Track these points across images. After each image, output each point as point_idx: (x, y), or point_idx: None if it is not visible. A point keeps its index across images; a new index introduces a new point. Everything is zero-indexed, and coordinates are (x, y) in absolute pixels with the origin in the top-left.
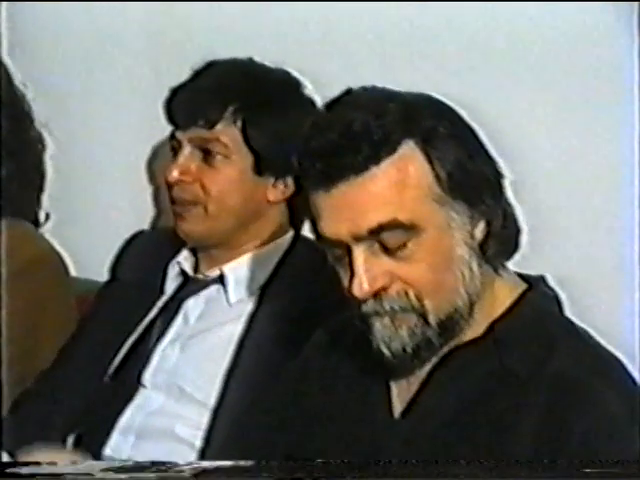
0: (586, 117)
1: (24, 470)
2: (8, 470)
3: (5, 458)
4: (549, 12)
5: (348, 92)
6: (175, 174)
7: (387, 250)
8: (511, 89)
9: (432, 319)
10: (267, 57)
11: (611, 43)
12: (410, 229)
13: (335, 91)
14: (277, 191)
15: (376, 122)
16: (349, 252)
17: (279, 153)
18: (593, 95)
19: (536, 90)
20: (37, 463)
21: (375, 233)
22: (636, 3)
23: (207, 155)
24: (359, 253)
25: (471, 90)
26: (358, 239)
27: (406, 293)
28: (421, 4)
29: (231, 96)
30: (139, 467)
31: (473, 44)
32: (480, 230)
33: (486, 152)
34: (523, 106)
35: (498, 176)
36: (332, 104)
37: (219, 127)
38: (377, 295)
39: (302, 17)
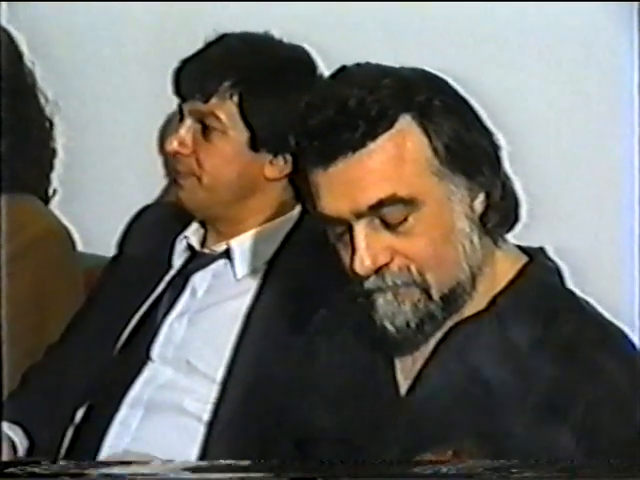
0: (585, 117)
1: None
2: (7, 470)
3: (5, 458)
4: (549, 12)
5: (342, 69)
6: (173, 146)
7: (388, 225)
8: (513, 79)
9: (435, 293)
10: (276, 32)
11: (611, 43)
12: (410, 203)
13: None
14: (274, 168)
15: (371, 97)
16: (350, 229)
17: (277, 130)
18: (593, 96)
19: (536, 90)
20: (37, 462)
21: (375, 209)
22: (636, 3)
23: (205, 128)
24: (360, 229)
25: (474, 69)
26: (359, 215)
27: (408, 268)
28: None
29: (230, 70)
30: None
31: (474, 40)
32: (480, 202)
33: (482, 124)
34: (526, 95)
35: (495, 148)
36: (326, 81)
37: (214, 100)
38: (379, 271)
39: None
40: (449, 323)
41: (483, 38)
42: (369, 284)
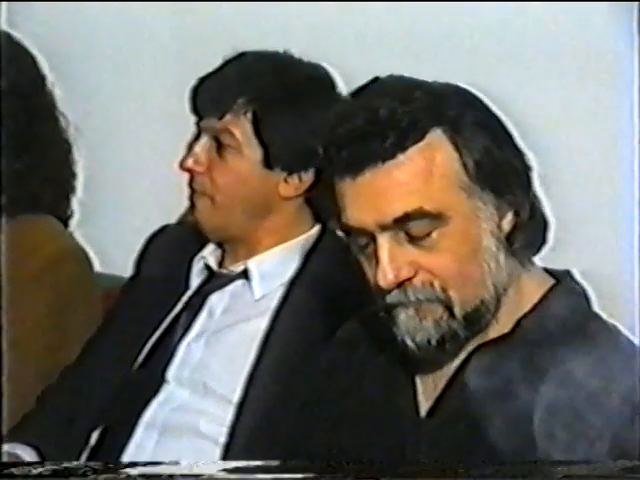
0: (586, 117)
1: (20, 470)
2: (6, 471)
3: (5, 458)
4: (549, 12)
5: (374, 80)
6: (188, 163)
7: (412, 239)
8: (511, 87)
9: (458, 311)
10: (295, 50)
11: (611, 43)
12: (436, 218)
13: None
14: (289, 186)
15: (403, 109)
16: (374, 242)
17: (292, 148)
18: (593, 95)
19: (535, 89)
20: (40, 463)
21: (401, 222)
22: (636, 3)
23: (220, 146)
24: (384, 242)
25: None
26: (383, 228)
27: (431, 284)
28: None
29: (245, 86)
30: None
31: (474, 45)
32: (508, 221)
33: (513, 143)
34: (525, 102)
35: (526, 167)
36: (358, 92)
37: (228, 117)
38: (402, 285)
39: (332, 10)
40: (473, 344)
41: (483, 42)
42: (391, 298)
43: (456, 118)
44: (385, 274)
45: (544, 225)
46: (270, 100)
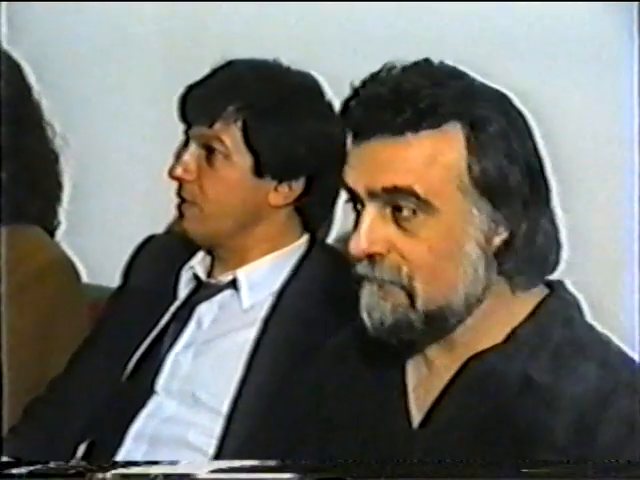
0: (586, 117)
1: (20, 470)
2: (6, 471)
3: (5, 458)
4: (549, 12)
5: (426, 60)
6: (177, 171)
7: (396, 219)
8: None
9: (420, 304)
10: (283, 57)
11: (611, 43)
12: (424, 204)
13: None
14: (279, 195)
15: (429, 90)
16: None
17: (281, 156)
18: (593, 95)
19: (535, 89)
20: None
21: (388, 194)
22: (636, 3)
23: (210, 154)
24: (369, 212)
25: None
26: (372, 196)
27: (399, 268)
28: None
29: (234, 95)
30: None
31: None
32: (499, 238)
33: (539, 166)
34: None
35: (539, 191)
36: (395, 67)
37: (218, 125)
38: (372, 259)
39: (321, 19)
40: (464, 354)
41: (482, 42)
42: (360, 269)
43: (481, 120)
44: (358, 241)
45: (546, 257)
46: (260, 108)
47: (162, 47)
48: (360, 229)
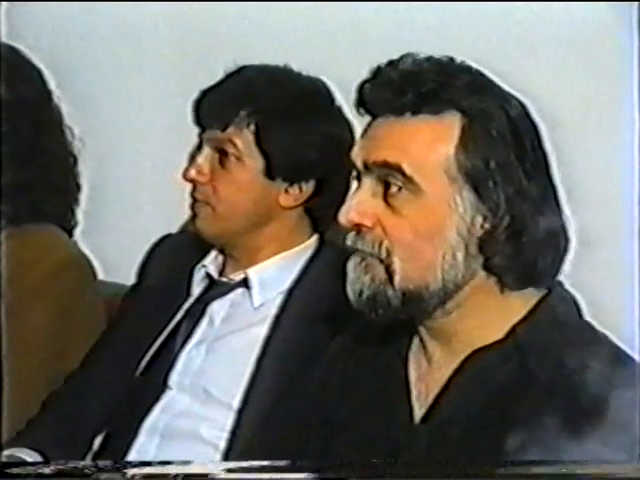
0: (585, 117)
1: (18, 470)
2: (7, 470)
3: (5, 458)
4: (548, 12)
5: (432, 56)
6: (191, 174)
7: (386, 195)
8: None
9: (397, 281)
10: (293, 62)
11: (611, 43)
12: (409, 182)
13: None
14: (290, 196)
15: (434, 77)
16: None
17: (292, 159)
18: (593, 95)
19: (534, 90)
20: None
21: (379, 168)
22: (636, 3)
23: (223, 157)
24: (362, 185)
25: None
26: (367, 169)
27: (381, 242)
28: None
29: (247, 99)
30: None
31: (473, 46)
32: (482, 230)
33: (543, 171)
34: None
35: (535, 193)
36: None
37: (231, 129)
38: (359, 232)
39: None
40: (463, 350)
41: (480, 43)
42: (349, 240)
43: (481, 114)
44: (348, 211)
45: (537, 260)
46: (271, 113)
47: (175, 52)
48: (351, 200)
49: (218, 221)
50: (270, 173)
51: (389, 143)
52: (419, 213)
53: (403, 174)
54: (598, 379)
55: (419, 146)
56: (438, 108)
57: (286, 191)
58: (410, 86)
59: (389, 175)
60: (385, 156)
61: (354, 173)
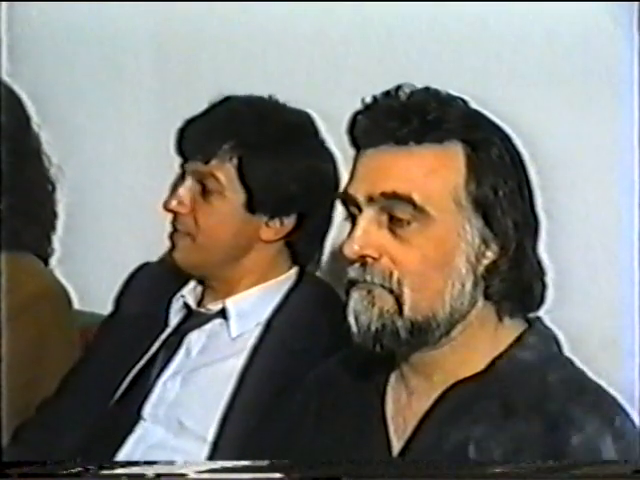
0: (585, 118)
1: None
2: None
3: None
4: (548, 12)
5: (424, 87)
6: (172, 204)
7: (392, 226)
8: (508, 89)
9: (407, 311)
10: (276, 91)
11: (611, 43)
12: (420, 212)
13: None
14: (270, 230)
15: (436, 106)
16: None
17: (274, 193)
18: (593, 95)
19: (535, 90)
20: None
21: (387, 199)
22: (636, 3)
23: (204, 189)
24: (365, 216)
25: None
26: (370, 200)
27: (390, 272)
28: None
29: (230, 133)
30: None
31: (472, 45)
32: (489, 259)
33: (524, 195)
34: (521, 106)
35: (529, 222)
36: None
37: (214, 162)
38: (364, 263)
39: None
40: (444, 381)
41: (479, 43)
42: (352, 272)
43: (483, 142)
44: (352, 243)
45: (531, 289)
46: (255, 147)
47: (157, 81)
48: (355, 232)
49: (197, 252)
50: (251, 207)
51: (396, 173)
52: (430, 242)
53: (414, 205)
54: (577, 417)
55: (427, 175)
56: (441, 137)
57: (267, 225)
58: (414, 115)
59: (396, 205)
60: (394, 187)
61: (351, 207)
